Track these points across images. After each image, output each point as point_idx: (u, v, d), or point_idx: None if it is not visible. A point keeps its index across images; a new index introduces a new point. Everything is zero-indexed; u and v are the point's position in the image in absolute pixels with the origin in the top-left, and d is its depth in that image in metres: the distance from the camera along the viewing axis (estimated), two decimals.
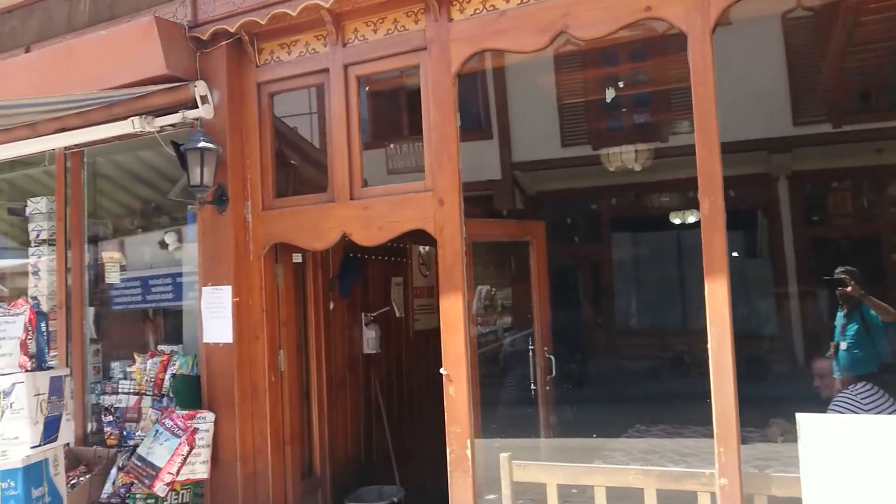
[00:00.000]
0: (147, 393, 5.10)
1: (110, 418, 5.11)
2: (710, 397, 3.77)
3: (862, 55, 9.98)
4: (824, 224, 10.91)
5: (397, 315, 6.88)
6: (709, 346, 3.80)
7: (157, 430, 4.69)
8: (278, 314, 5.15)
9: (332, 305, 5.80)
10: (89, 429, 5.72)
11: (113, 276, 5.87)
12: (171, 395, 4.95)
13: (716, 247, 3.75)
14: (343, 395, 5.88)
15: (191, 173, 4.76)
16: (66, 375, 4.66)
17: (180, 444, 4.56)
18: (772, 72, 9.54)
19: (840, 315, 5.64)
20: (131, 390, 5.35)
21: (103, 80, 4.96)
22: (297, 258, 5.38)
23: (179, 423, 4.68)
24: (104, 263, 5.89)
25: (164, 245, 5.96)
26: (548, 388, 5.16)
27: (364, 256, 6.32)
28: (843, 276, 5.52)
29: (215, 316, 4.98)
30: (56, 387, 4.48)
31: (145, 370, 5.21)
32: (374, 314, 6.44)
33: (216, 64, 5.06)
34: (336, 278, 5.90)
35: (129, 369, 5.50)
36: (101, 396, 5.64)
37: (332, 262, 5.84)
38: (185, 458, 4.56)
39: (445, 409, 4.38)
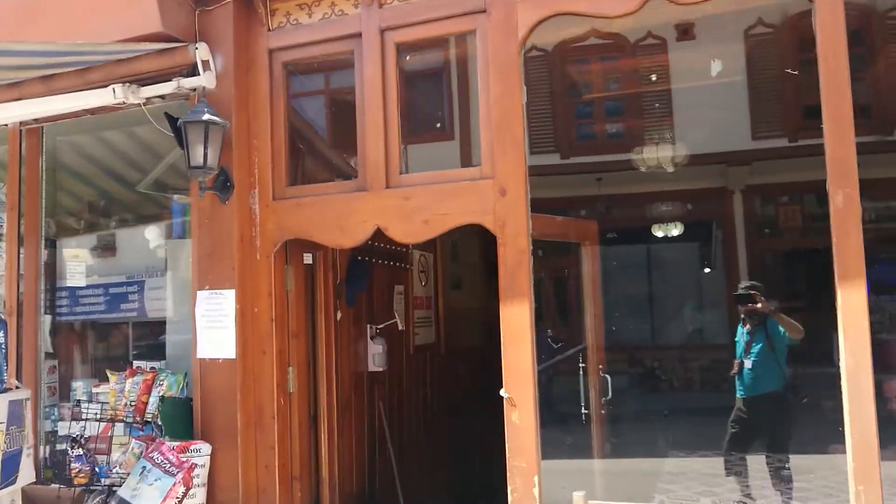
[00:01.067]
0: (126, 419, 4.18)
1: (79, 451, 4.16)
2: (841, 425, 3.20)
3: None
4: (777, 237, 11.04)
5: (400, 328, 6.11)
6: (842, 364, 3.22)
7: (144, 467, 3.79)
8: (287, 324, 4.33)
9: (338, 315, 5.00)
10: (42, 462, 4.73)
11: (77, 279, 4.90)
12: (158, 422, 4.05)
13: (851, 247, 3.21)
14: (348, 419, 5.07)
15: (191, 152, 3.91)
16: (27, 399, 3.74)
17: (175, 483, 3.69)
18: (734, 86, 9.56)
19: (743, 332, 5.50)
20: (99, 415, 4.41)
21: (80, 38, 4.06)
22: (308, 259, 4.57)
23: (172, 457, 3.80)
24: (66, 263, 4.92)
25: (134, 244, 5.06)
26: (602, 412, 4.50)
27: (372, 260, 5.54)
28: (751, 292, 5.40)
29: (213, 326, 4.13)
30: (16, 413, 3.58)
31: (122, 392, 4.29)
32: (381, 326, 5.65)
33: (220, 25, 4.23)
34: (343, 283, 5.10)
35: (95, 390, 4.56)
36: (58, 423, 4.68)
37: (340, 264, 5.04)
38: (181, 502, 3.69)
39: (507, 439, 3.66)
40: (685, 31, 9.29)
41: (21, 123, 4.85)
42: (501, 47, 3.76)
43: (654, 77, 9.42)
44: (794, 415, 5.51)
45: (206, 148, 3.90)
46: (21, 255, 4.84)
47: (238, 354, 4.09)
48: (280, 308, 4.24)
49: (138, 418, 4.14)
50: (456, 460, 7.17)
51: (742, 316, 5.53)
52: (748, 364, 5.41)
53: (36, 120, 4.82)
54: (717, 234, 11.51)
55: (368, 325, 5.54)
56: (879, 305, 10.65)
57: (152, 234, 4.83)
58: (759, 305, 5.31)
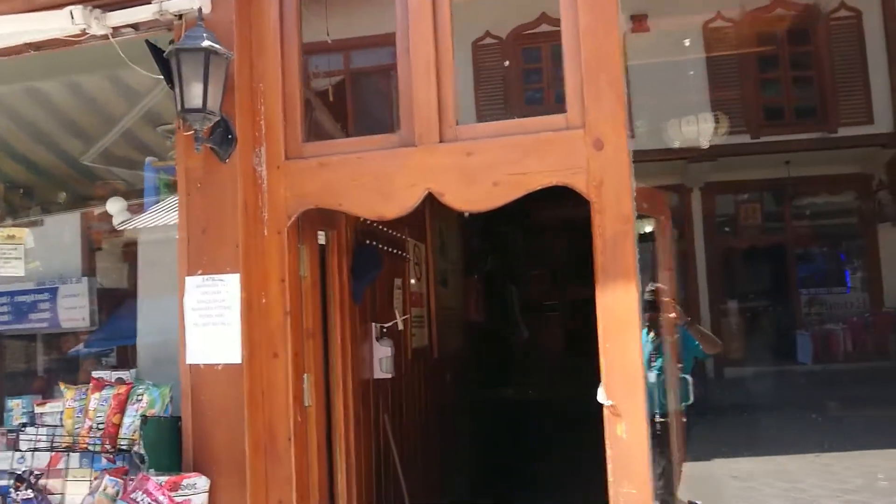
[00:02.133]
0: (93, 447, 3.13)
1: (28, 494, 3.07)
2: None
3: (776, 70, 10.29)
4: (735, 235, 10.83)
5: (400, 327, 5.20)
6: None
7: None
8: (302, 320, 3.40)
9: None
10: None
11: (12, 266, 3.80)
12: (140, 450, 3.03)
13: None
14: (358, 435, 4.14)
15: (185, 91, 2.95)
16: None
17: None
18: (695, 81, 9.33)
19: (647, 339, 4.50)
20: (46, 442, 3.34)
21: None
22: (321, 238, 3.65)
23: (162, 498, 2.81)
24: None
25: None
26: (684, 419, 3.77)
27: (381, 247, 4.65)
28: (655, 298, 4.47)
29: (209, 321, 3.16)
30: None
31: (83, 411, 3.25)
32: (387, 325, 4.75)
33: None
34: (350, 273, 4.19)
35: (39, 410, 3.49)
36: None
37: (347, 248, 4.13)
38: None
39: (609, 459, 2.86)
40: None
41: None
42: None
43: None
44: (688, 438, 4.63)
45: (206, 86, 2.95)
46: None
47: (244, 358, 3.13)
48: (295, 299, 3.31)
49: (109, 445, 3.11)
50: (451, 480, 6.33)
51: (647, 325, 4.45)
52: (651, 377, 4.33)
53: None
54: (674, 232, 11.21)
55: (374, 325, 4.63)
56: (819, 299, 10.71)
57: (116, 207, 3.79)
58: (674, 316, 4.45)
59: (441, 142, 3.12)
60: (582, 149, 2.96)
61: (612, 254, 2.90)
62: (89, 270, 4.60)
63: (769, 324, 11.10)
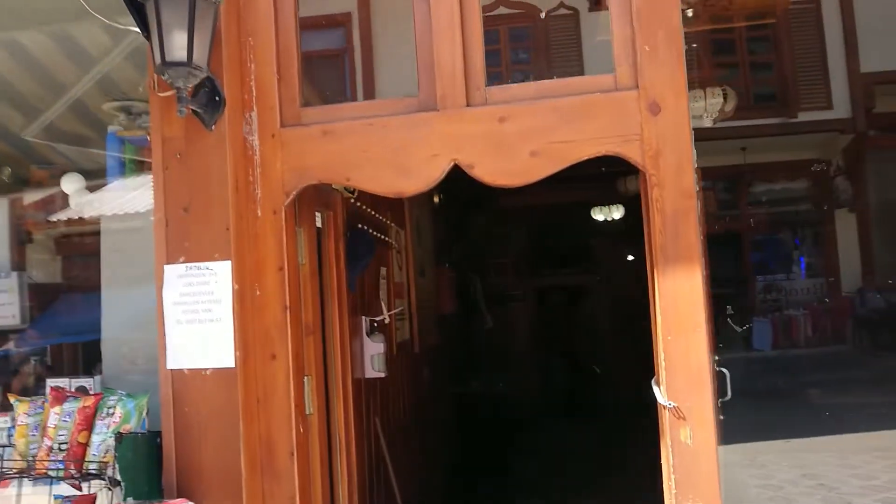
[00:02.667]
0: (54, 472, 2.59)
1: None
2: None
3: (734, 55, 10.20)
4: None
5: (385, 321, 4.74)
6: None
7: None
8: (301, 315, 2.92)
9: None
10: None
11: None
12: (116, 475, 2.51)
13: None
14: (358, 444, 3.68)
15: (166, 41, 2.43)
16: None
17: None
18: None
19: None
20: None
21: None
22: (318, 221, 3.18)
23: None
24: None
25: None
26: (721, 418, 3.43)
27: (371, 231, 4.18)
28: None
29: (195, 318, 2.67)
30: None
31: (40, 428, 2.70)
32: (377, 319, 4.30)
33: None
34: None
35: None
36: None
37: (344, 232, 3.65)
38: None
39: (672, 467, 2.50)
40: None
41: None
42: None
43: None
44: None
45: (191, 36, 2.45)
46: None
47: (238, 361, 2.65)
48: (294, 290, 2.83)
49: (75, 470, 2.58)
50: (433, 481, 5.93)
51: None
52: None
53: None
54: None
55: (364, 318, 4.17)
56: (776, 285, 10.74)
57: (73, 185, 3.22)
58: None
59: (468, 105, 2.69)
60: (635, 113, 2.57)
61: (674, 233, 2.52)
62: (19, 264, 4.13)
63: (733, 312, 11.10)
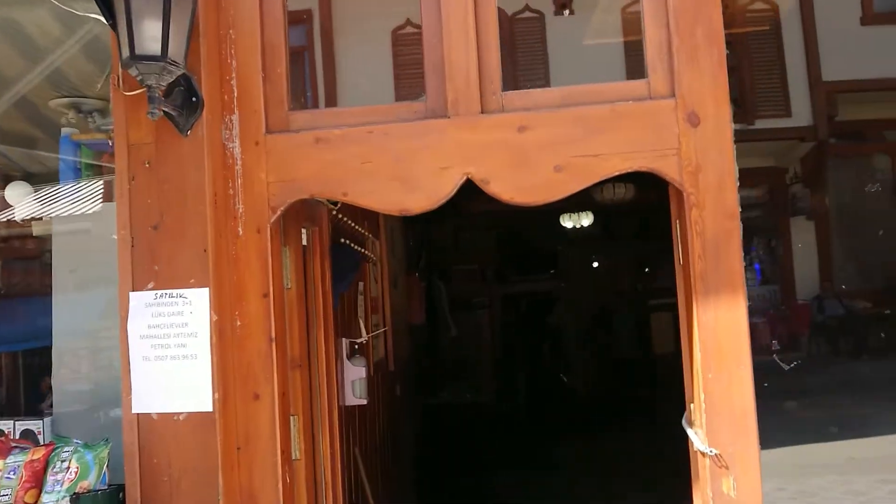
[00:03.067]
0: None
1: None
2: None
3: None
4: None
5: (363, 340, 4.39)
6: None
7: None
8: (287, 346, 2.57)
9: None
10: None
11: None
12: None
13: None
14: (337, 486, 3.32)
15: (136, 31, 2.07)
16: None
17: None
18: (614, 63, 9.14)
19: None
20: None
21: None
22: (303, 237, 2.83)
23: None
24: None
25: None
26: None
27: (354, 247, 3.84)
28: None
29: (167, 354, 2.30)
30: None
31: None
32: (359, 341, 3.96)
33: None
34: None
35: None
36: None
37: (328, 249, 3.30)
38: None
39: None
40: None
41: None
42: None
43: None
44: None
45: (166, 26, 2.08)
46: None
47: (217, 403, 2.28)
48: (280, 319, 2.48)
49: None
50: None
51: None
52: None
53: None
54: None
55: (343, 340, 3.82)
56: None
57: (17, 193, 2.81)
58: None
59: (483, 112, 2.38)
60: (672, 124, 2.30)
61: (715, 258, 2.26)
62: None
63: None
